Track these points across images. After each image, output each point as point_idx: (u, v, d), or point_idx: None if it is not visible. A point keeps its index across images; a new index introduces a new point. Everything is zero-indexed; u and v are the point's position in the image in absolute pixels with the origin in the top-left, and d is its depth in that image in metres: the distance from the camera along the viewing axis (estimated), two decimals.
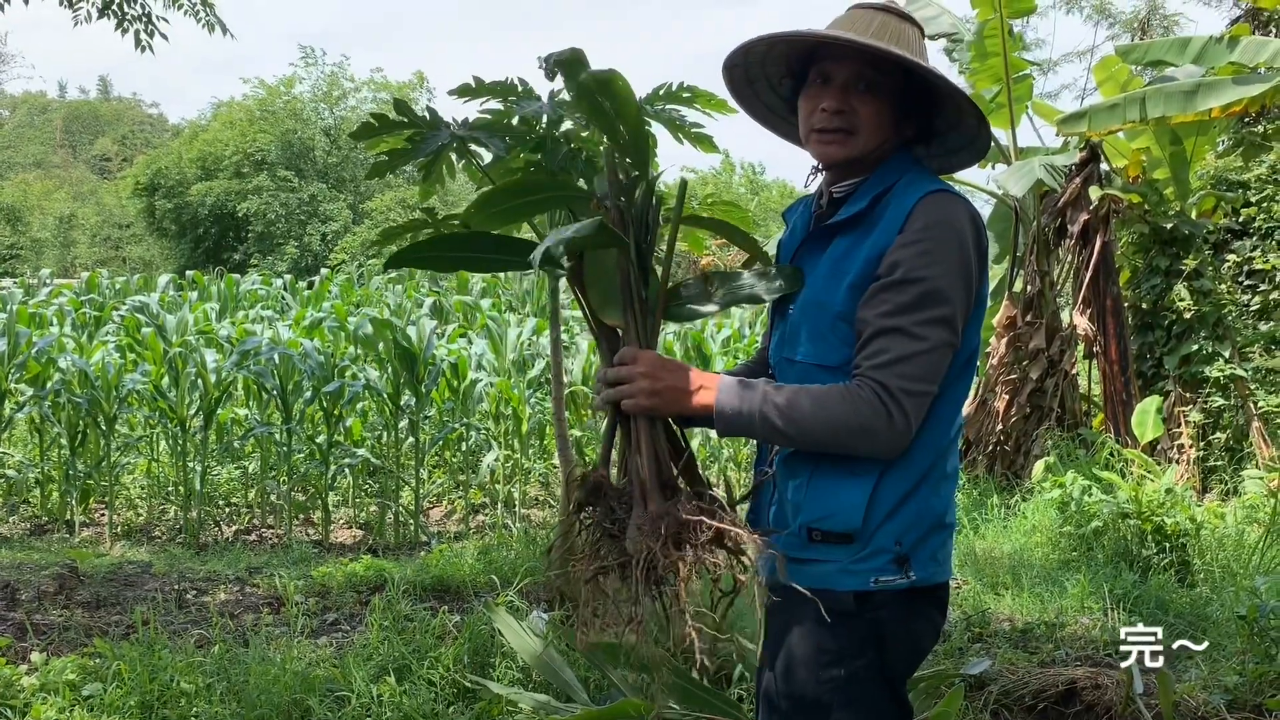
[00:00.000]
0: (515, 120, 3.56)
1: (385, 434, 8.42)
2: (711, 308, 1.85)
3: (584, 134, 3.70)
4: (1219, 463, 8.14)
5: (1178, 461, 8.05)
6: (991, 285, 8.37)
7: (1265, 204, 8.88)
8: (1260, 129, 9.38)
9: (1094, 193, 8.36)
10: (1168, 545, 5.32)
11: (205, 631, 4.32)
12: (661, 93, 3.72)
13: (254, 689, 3.44)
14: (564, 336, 8.48)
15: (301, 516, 8.15)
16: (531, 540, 5.96)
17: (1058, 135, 8.63)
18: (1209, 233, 8.90)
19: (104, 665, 3.62)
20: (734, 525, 1.64)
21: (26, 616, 4.48)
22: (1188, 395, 8.33)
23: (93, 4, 7.07)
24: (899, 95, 1.81)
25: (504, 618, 3.30)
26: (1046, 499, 6.15)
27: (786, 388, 1.72)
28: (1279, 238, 8.86)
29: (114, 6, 7.08)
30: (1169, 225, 8.47)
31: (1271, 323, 8.76)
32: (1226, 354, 8.22)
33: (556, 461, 7.87)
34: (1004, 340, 8.37)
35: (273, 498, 8.28)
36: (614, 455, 1.80)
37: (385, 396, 7.80)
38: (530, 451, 8.59)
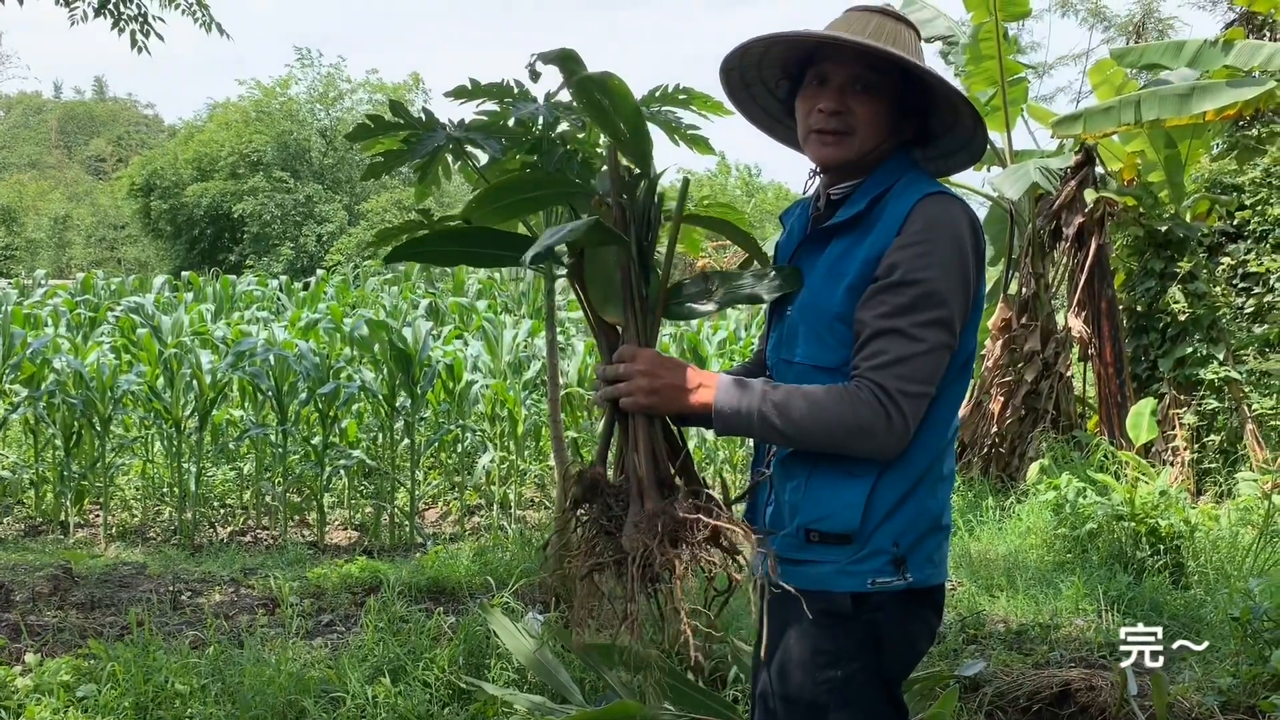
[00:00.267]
0: (511, 122, 3.56)
1: (380, 435, 8.41)
2: (711, 307, 1.85)
3: (579, 135, 3.71)
4: (1213, 465, 8.16)
5: (1172, 464, 8.07)
6: (987, 287, 8.38)
7: (1259, 207, 8.91)
8: (1254, 132, 9.40)
9: (1089, 195, 8.38)
10: (1162, 547, 5.34)
11: (200, 633, 4.32)
12: (657, 95, 3.73)
13: (249, 690, 3.43)
14: (560, 338, 8.48)
15: (297, 518, 8.14)
16: (527, 542, 5.97)
17: (1053, 138, 8.65)
18: (1204, 236, 8.93)
19: (99, 666, 3.62)
20: (731, 524, 1.64)
21: (21, 617, 4.48)
22: (1182, 398, 8.35)
23: (89, 3, 7.05)
24: (896, 96, 1.81)
25: (499, 619, 3.30)
26: (1041, 501, 6.16)
27: (785, 387, 1.73)
28: (1273, 240, 8.88)
29: (110, 6, 7.06)
30: (1164, 228, 8.49)
31: (1266, 325, 8.78)
32: (1221, 356, 8.24)
33: (552, 463, 7.86)
34: (999, 342, 8.39)
35: (268, 499, 8.27)
36: (610, 453, 1.80)
37: (380, 398, 7.79)
38: (526, 453, 8.59)
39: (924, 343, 1.67)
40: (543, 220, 3.76)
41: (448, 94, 3.51)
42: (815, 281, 1.82)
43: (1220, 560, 5.45)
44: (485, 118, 3.61)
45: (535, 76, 1.89)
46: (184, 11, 7.48)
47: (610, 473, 1.76)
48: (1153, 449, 8.13)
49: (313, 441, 7.74)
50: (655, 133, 3.69)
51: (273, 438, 7.82)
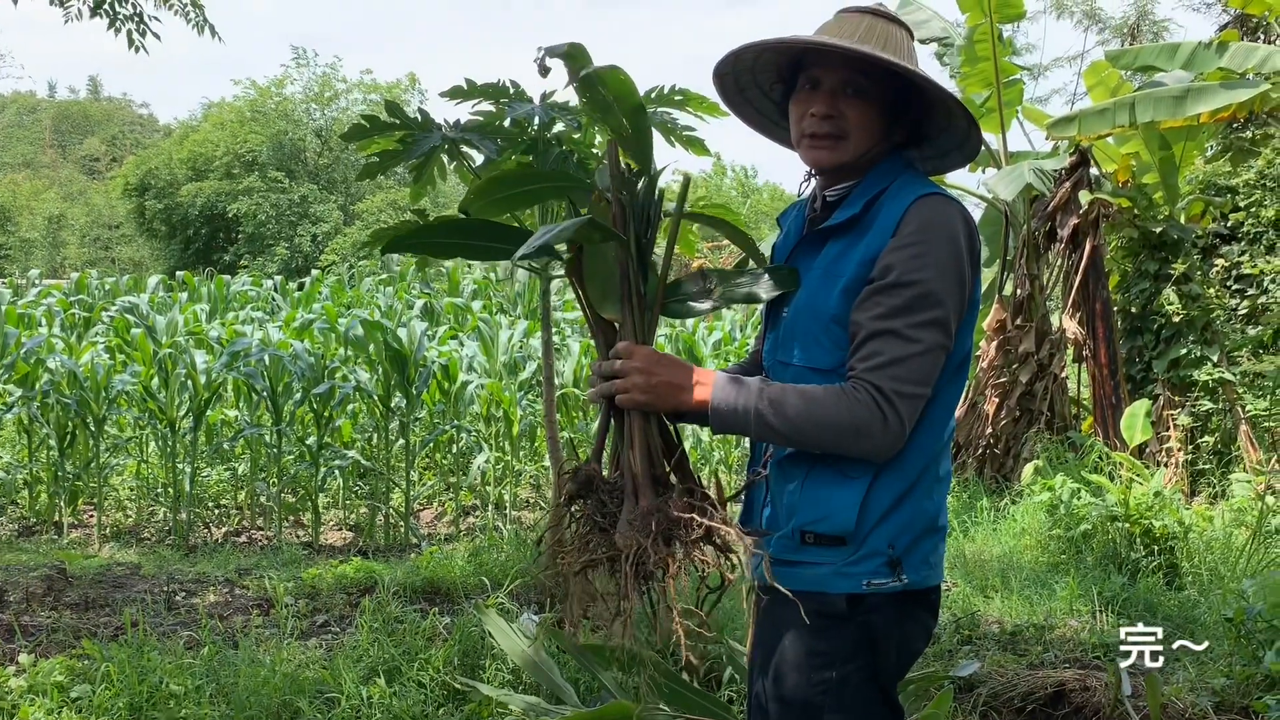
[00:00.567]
0: (507, 122, 3.56)
1: (376, 436, 8.40)
2: (708, 305, 1.85)
3: (575, 136, 3.71)
4: (1207, 466, 8.18)
5: (1166, 465, 8.09)
6: (982, 289, 8.39)
7: (1253, 209, 8.93)
8: (1249, 134, 9.44)
9: (1084, 197, 8.40)
10: (1156, 548, 5.35)
11: (194, 633, 4.31)
12: (654, 96, 3.73)
13: (243, 691, 3.43)
14: (555, 339, 8.48)
15: (291, 518, 8.12)
16: (522, 542, 5.96)
17: (1048, 140, 8.67)
18: (1198, 237, 8.95)
19: (92, 667, 3.61)
20: (724, 524, 1.64)
21: (15, 618, 4.47)
22: (1176, 399, 8.37)
23: (84, 2, 7.04)
24: (888, 99, 1.81)
25: (494, 620, 3.30)
26: (1036, 502, 6.17)
27: (781, 386, 1.73)
28: (1267, 242, 8.91)
29: (106, 6, 7.05)
30: (1158, 230, 8.51)
31: (1259, 327, 8.81)
32: (1215, 358, 8.26)
33: (547, 464, 7.86)
34: (994, 343, 8.41)
35: (262, 499, 8.26)
36: (606, 450, 1.80)
37: (376, 398, 7.78)
38: (521, 454, 8.58)
39: (919, 344, 1.68)
40: (537, 216, 3.76)
41: (444, 94, 3.51)
42: (811, 283, 1.82)
43: (1214, 561, 5.46)
44: (481, 118, 3.61)
45: (545, 72, 1.89)
46: (177, 11, 7.47)
47: (605, 470, 1.76)
48: (1147, 450, 8.14)
49: (307, 442, 7.73)
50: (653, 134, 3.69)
51: (267, 438, 7.81)
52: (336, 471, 7.98)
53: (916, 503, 1.77)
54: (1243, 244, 9.07)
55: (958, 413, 7.85)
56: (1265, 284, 8.84)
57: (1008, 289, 8.56)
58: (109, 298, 14.09)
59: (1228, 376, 8.19)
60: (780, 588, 1.72)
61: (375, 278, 17.13)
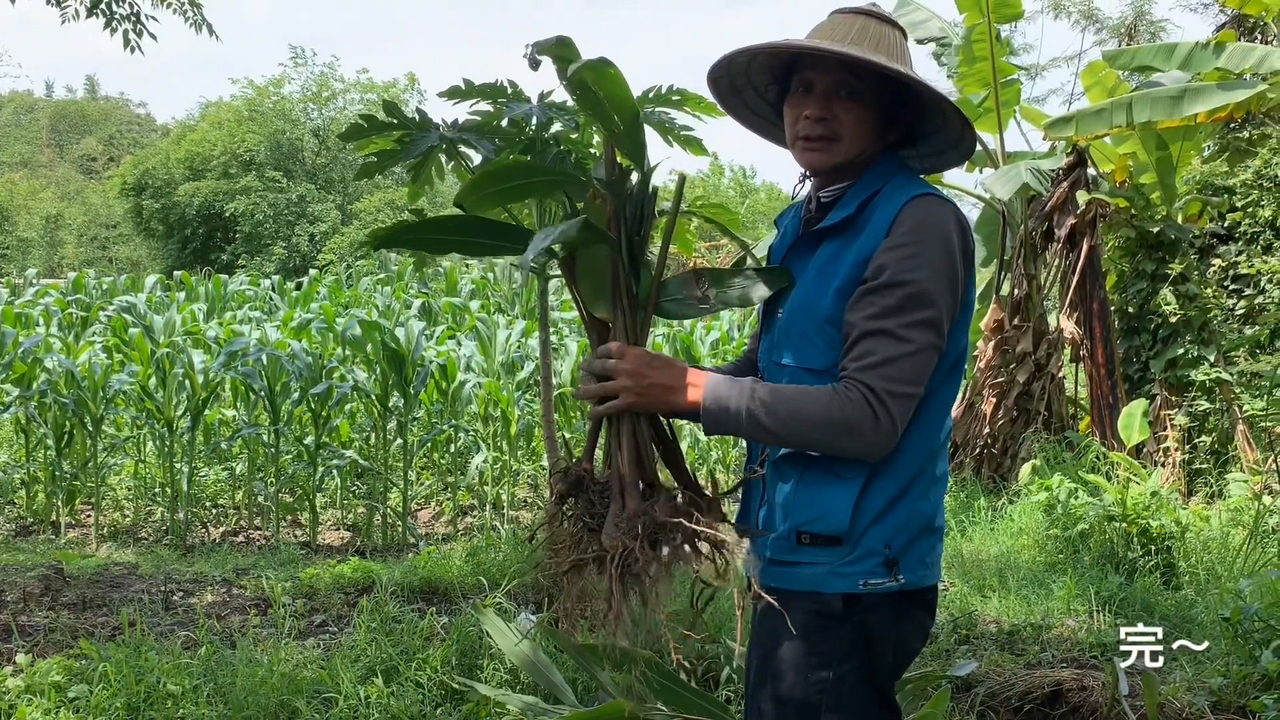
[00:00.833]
0: (505, 122, 3.56)
1: (373, 435, 8.40)
2: (702, 307, 1.85)
3: (573, 136, 3.70)
4: (1204, 466, 8.19)
5: (1163, 464, 8.09)
6: (979, 289, 8.40)
7: (1250, 209, 8.94)
8: (1246, 134, 9.44)
9: (1081, 197, 8.41)
10: (1153, 548, 5.35)
11: (192, 633, 4.31)
12: (651, 95, 3.73)
13: (241, 690, 3.43)
14: (553, 339, 8.48)
15: (289, 518, 8.12)
16: (520, 542, 5.96)
17: (1045, 140, 8.67)
18: (1195, 237, 8.96)
19: (90, 667, 3.61)
20: (711, 528, 1.64)
21: (12, 618, 4.46)
22: (1173, 399, 8.37)
23: (81, 2, 7.04)
24: (882, 100, 1.81)
25: (492, 619, 3.30)
26: (1033, 502, 6.17)
27: (773, 386, 1.73)
28: (1264, 242, 8.92)
29: (102, 5, 7.05)
30: (1155, 229, 8.52)
31: (1256, 327, 8.82)
32: (1212, 358, 8.26)
33: (545, 463, 7.86)
34: (991, 343, 8.41)
35: (260, 499, 8.26)
36: (600, 448, 1.80)
37: (373, 398, 7.78)
38: (519, 453, 8.59)
39: (911, 343, 1.67)
40: (534, 211, 3.75)
41: (441, 94, 3.51)
42: (806, 284, 1.82)
43: (1211, 561, 5.47)
44: (479, 118, 3.60)
45: (535, 65, 1.88)
46: (175, 10, 7.48)
47: (599, 467, 1.76)
48: (1144, 450, 8.15)
49: (305, 441, 7.73)
50: (649, 134, 3.69)
51: (265, 438, 7.80)
52: (334, 471, 7.98)
53: (912, 503, 1.78)
54: (1240, 244, 9.08)
55: (954, 413, 7.90)
56: (1262, 284, 8.85)
57: (1005, 289, 8.57)
58: (106, 297, 14.09)
59: (1225, 376, 8.20)
60: (776, 588, 1.73)
61: (373, 277, 17.12)
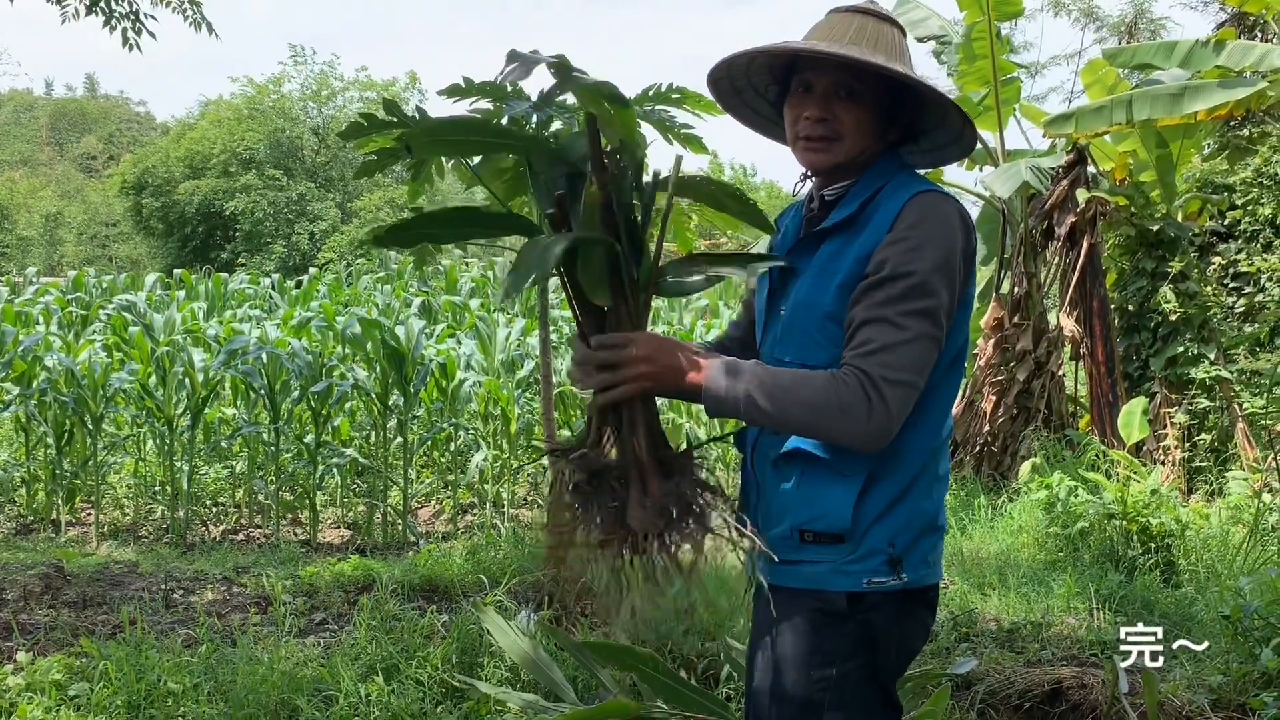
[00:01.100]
0: (505, 120, 3.56)
1: (373, 434, 8.40)
2: (699, 278, 1.82)
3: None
4: (1204, 464, 8.18)
5: (1163, 462, 8.09)
6: (979, 287, 8.40)
7: (1250, 207, 8.94)
8: (1246, 132, 9.44)
9: (1081, 195, 8.41)
10: (1153, 546, 5.35)
11: (192, 631, 4.31)
12: (651, 94, 3.73)
13: (241, 689, 3.43)
14: (553, 337, 8.47)
15: (289, 516, 8.12)
16: (520, 540, 5.96)
17: (1045, 137, 8.67)
18: (1195, 235, 8.95)
19: (90, 665, 3.61)
20: (729, 507, 1.67)
21: (12, 616, 4.47)
22: (1173, 397, 8.37)
23: (80, 1, 7.03)
24: (882, 99, 1.81)
25: (492, 617, 3.30)
26: (1033, 500, 6.17)
27: (773, 370, 1.72)
28: (1264, 240, 8.92)
29: (101, 3, 7.05)
30: (1155, 228, 8.52)
31: (1256, 324, 8.82)
32: (1212, 356, 8.26)
33: (545, 462, 7.86)
34: (991, 341, 8.41)
35: (260, 497, 8.26)
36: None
37: (373, 396, 7.78)
38: (519, 451, 8.59)
39: (908, 331, 1.67)
40: (535, 208, 3.73)
41: (441, 92, 3.51)
42: (808, 281, 1.82)
43: (1211, 559, 5.47)
44: (479, 116, 3.60)
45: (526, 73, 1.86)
46: (174, 9, 7.47)
47: (590, 447, 1.76)
48: (1144, 448, 8.15)
49: (305, 440, 7.74)
50: (649, 131, 3.69)
51: (265, 436, 7.81)
52: (334, 469, 7.98)
53: (915, 502, 1.78)
54: (1239, 242, 9.08)
55: (955, 410, 7.89)
56: (1262, 282, 8.85)
57: (1005, 287, 8.56)
58: (106, 296, 14.09)
59: (1224, 374, 8.20)
60: (779, 586, 1.73)
61: (373, 276, 17.13)
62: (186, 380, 7.59)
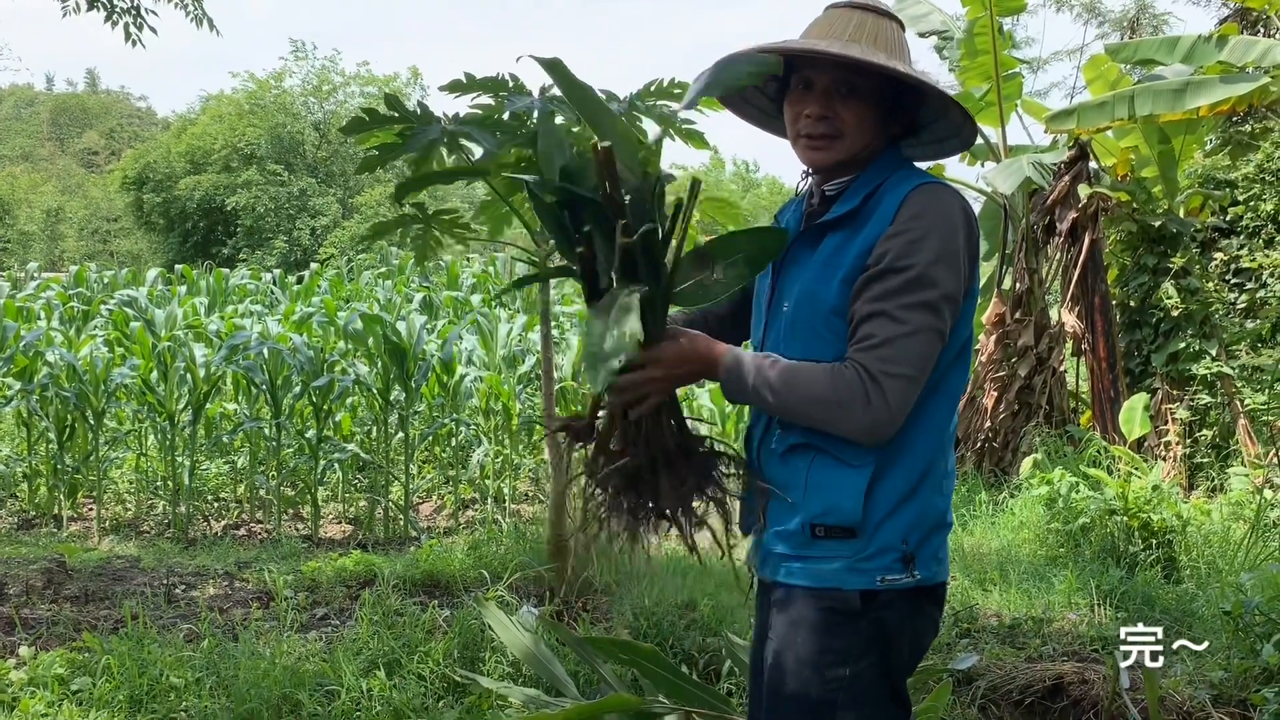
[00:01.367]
0: (506, 115, 3.56)
1: (375, 429, 8.40)
2: (718, 288, 1.83)
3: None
4: (1205, 460, 8.18)
5: (1164, 458, 8.09)
6: (981, 282, 8.39)
7: (1252, 202, 8.93)
8: (1248, 128, 9.43)
9: (1083, 191, 8.39)
10: (1154, 541, 5.35)
11: (194, 626, 4.32)
12: (652, 89, 3.73)
13: (243, 683, 3.44)
14: (554, 333, 8.47)
15: (291, 511, 8.13)
16: (521, 535, 5.96)
17: (1047, 133, 8.66)
18: (1196, 231, 8.95)
19: (93, 659, 3.62)
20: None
21: (14, 611, 4.47)
22: (1175, 392, 8.37)
23: None
24: (882, 95, 1.81)
25: (494, 612, 3.30)
26: (1034, 495, 6.17)
27: (780, 363, 1.75)
28: (1266, 236, 8.91)
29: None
30: (1157, 223, 8.51)
31: (1258, 320, 8.81)
32: (1213, 352, 8.26)
33: (547, 457, 7.86)
34: (993, 337, 8.41)
35: (262, 492, 8.27)
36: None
37: (375, 391, 7.78)
38: (520, 447, 8.59)
39: (908, 324, 1.67)
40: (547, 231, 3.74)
41: (443, 88, 3.51)
42: (811, 276, 1.82)
43: (1212, 555, 5.47)
44: (480, 111, 3.61)
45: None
46: (175, 5, 7.47)
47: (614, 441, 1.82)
48: (1145, 444, 8.15)
49: (307, 435, 7.74)
50: (649, 127, 3.69)
51: (266, 431, 7.81)
52: (336, 465, 7.98)
53: (926, 498, 1.78)
54: (1241, 238, 9.07)
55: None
56: (1264, 278, 8.84)
57: (1006, 283, 8.56)
58: (108, 291, 14.08)
59: (1226, 370, 8.19)
60: (790, 584, 1.75)
61: (374, 271, 17.11)
62: (188, 375, 7.59)
